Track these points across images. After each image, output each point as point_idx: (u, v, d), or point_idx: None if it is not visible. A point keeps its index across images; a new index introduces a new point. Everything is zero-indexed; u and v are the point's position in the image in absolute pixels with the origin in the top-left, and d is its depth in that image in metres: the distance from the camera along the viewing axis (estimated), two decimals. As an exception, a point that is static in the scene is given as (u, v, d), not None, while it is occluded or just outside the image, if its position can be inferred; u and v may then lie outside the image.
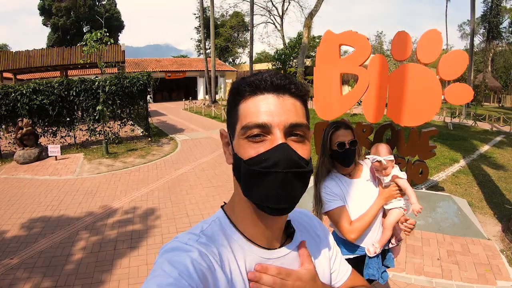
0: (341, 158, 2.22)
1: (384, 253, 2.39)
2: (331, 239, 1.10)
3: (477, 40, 39.75)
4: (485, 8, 36.43)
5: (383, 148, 2.32)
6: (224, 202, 0.90)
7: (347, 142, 2.17)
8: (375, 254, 2.25)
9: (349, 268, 1.14)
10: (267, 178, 0.71)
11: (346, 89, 21.79)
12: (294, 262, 0.87)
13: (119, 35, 47.27)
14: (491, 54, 39.19)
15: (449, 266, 4.15)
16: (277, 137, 0.73)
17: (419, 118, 5.01)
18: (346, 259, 2.27)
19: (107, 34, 10.57)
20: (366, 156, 2.39)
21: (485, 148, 11.76)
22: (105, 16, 21.23)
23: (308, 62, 30.73)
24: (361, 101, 5.43)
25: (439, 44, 4.77)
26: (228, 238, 0.81)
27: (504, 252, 4.53)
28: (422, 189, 6.30)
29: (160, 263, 0.70)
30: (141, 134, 13.48)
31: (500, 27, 37.83)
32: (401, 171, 2.31)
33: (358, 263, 2.28)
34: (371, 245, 2.25)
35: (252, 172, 0.72)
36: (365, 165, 2.38)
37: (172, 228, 5.28)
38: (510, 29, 33.62)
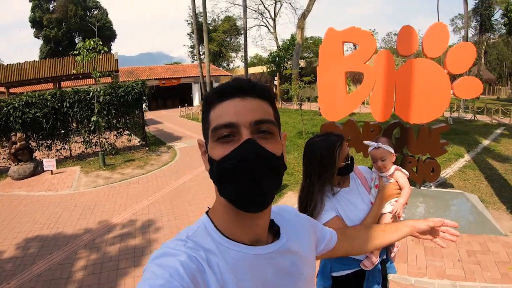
0: (347, 171, 2.00)
1: (383, 262, 2.17)
2: (311, 223, 1.14)
3: (469, 33, 39.86)
4: (477, 1, 36.62)
5: (383, 139, 2.21)
6: (208, 207, 0.93)
7: (349, 152, 1.99)
8: (373, 266, 2.02)
9: (332, 235, 1.23)
10: (238, 174, 0.76)
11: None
12: (283, 259, 0.89)
13: (111, 45, 47.08)
14: (484, 47, 39.30)
15: (471, 267, 3.96)
16: (244, 135, 0.77)
17: (428, 115, 4.84)
18: (342, 276, 2.04)
19: (101, 43, 10.36)
20: (364, 142, 2.22)
21: (487, 141, 11.64)
22: (97, 25, 21.05)
23: (302, 63, 30.52)
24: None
25: (446, 37, 4.61)
26: (213, 241, 0.82)
27: (525, 248, 4.36)
28: (431, 187, 6.11)
29: (150, 267, 0.74)
30: (138, 143, 13.23)
31: (491, 19, 38.02)
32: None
33: (357, 279, 2.06)
34: (365, 257, 2.02)
35: (223, 170, 0.77)
36: (353, 173, 2.16)
37: (177, 243, 5.02)
38: (503, 21, 33.69)
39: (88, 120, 11.24)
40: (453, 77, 4.97)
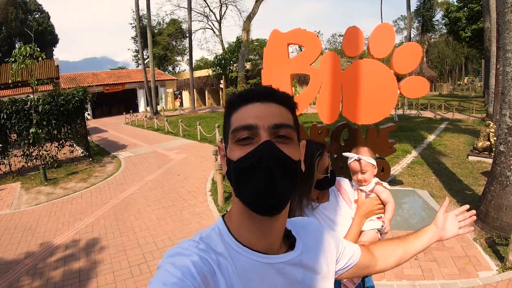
0: (327, 184, 1.85)
1: (363, 278, 2.04)
2: (334, 238, 1.10)
3: (412, 33, 41.93)
4: (419, 3, 38.60)
5: (364, 150, 2.05)
6: (226, 210, 0.94)
7: (330, 164, 1.83)
8: (354, 287, 1.91)
9: (355, 250, 1.17)
10: (254, 174, 0.76)
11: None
12: (294, 271, 0.88)
13: (53, 50, 44.91)
14: (425, 46, 41.40)
15: (428, 265, 3.98)
16: (263, 137, 0.78)
17: (376, 115, 4.85)
18: None
19: (38, 49, 9.70)
20: (343, 154, 2.08)
21: (433, 136, 12.12)
22: (38, 30, 19.93)
23: (248, 65, 30.42)
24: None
25: (392, 38, 4.64)
26: (225, 244, 0.83)
27: (478, 241, 4.48)
28: (382, 185, 6.18)
29: (163, 265, 0.75)
30: (82, 154, 12.51)
31: (433, 20, 40.24)
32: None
33: None
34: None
35: (240, 169, 0.78)
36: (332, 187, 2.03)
37: (124, 263, 4.67)
38: (443, 21, 35.73)
39: (27, 131, 10.47)
40: (397, 76, 5.02)
